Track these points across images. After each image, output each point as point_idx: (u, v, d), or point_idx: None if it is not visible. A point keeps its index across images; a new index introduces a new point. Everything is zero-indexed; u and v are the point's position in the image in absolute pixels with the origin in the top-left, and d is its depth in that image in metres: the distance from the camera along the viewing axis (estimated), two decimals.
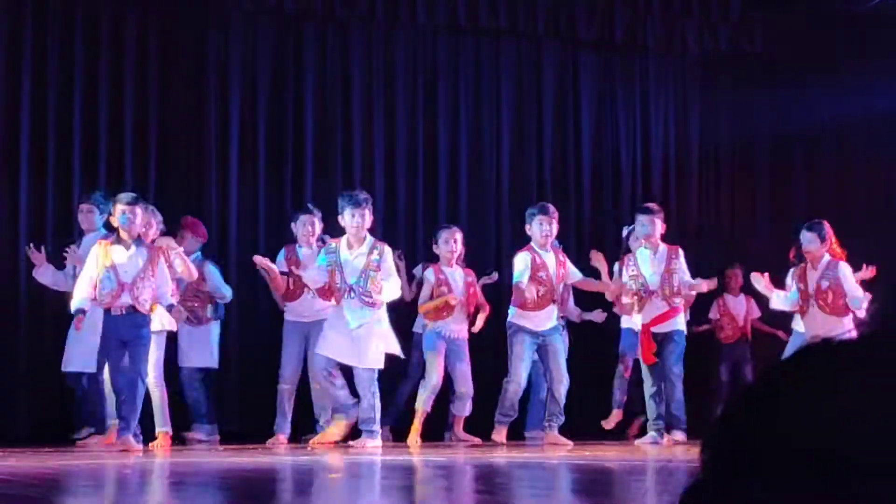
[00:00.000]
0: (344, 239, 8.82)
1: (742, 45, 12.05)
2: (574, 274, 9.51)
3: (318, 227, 9.38)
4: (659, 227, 9.40)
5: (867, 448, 0.74)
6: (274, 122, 10.68)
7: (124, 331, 8.23)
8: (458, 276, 9.49)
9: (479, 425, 9.57)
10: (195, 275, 8.96)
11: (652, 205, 9.70)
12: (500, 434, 9.40)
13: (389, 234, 9.83)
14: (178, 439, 9.25)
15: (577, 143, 11.68)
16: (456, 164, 11.26)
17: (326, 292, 8.90)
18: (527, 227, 9.45)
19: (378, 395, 8.82)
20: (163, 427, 8.73)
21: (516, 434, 9.79)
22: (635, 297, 9.32)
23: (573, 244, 10.80)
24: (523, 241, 9.63)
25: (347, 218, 8.74)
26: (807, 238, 9.33)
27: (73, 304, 8.32)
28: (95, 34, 10.21)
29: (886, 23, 11.41)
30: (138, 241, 8.35)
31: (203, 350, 9.62)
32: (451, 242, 9.43)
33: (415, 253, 10.49)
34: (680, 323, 9.46)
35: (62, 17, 10.14)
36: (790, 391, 0.79)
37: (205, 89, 10.47)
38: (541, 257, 9.35)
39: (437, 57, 11.30)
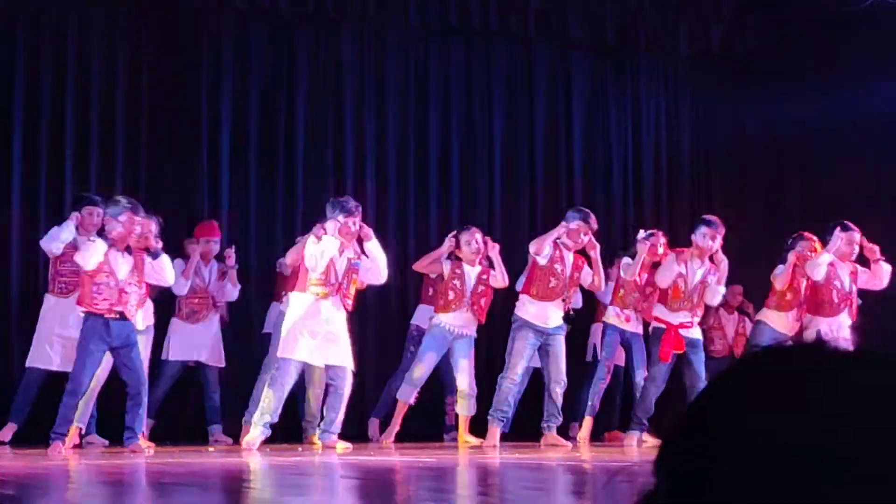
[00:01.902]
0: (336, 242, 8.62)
1: (735, 45, 12.03)
2: (585, 279, 9.26)
3: None
4: (718, 242, 9.19)
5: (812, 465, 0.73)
6: (265, 123, 10.65)
7: (115, 337, 8.13)
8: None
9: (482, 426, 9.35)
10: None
11: (716, 219, 9.34)
12: (492, 435, 9.02)
13: (380, 237, 9.76)
14: (199, 440, 9.23)
15: (568, 143, 11.65)
16: (448, 166, 11.23)
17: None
18: (564, 224, 9.13)
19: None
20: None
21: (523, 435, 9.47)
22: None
23: None
24: (515, 240, 9.76)
25: (336, 225, 8.54)
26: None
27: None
28: (88, 35, 10.18)
29: (880, 23, 11.38)
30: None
31: (218, 348, 9.58)
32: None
33: (406, 254, 10.46)
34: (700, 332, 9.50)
35: (55, 18, 10.11)
36: (738, 402, 0.78)
37: (197, 91, 10.44)
38: (562, 252, 9.13)
39: (429, 58, 11.27)
